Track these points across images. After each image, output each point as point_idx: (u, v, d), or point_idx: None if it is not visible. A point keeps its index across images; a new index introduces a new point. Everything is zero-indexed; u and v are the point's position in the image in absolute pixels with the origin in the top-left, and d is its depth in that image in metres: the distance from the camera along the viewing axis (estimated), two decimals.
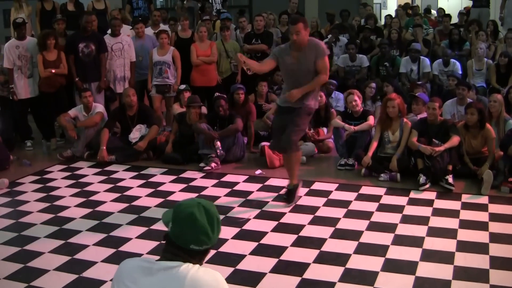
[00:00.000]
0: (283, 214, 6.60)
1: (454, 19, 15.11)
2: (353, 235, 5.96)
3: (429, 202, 6.90)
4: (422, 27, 12.76)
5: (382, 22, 16.26)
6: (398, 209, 6.70)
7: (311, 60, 6.64)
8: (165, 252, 2.55)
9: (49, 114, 9.77)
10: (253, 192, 7.42)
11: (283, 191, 7.18)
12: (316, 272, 5.17)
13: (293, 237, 5.94)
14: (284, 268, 5.27)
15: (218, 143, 8.42)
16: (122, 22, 10.88)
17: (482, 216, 6.44)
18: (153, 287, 2.46)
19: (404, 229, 6.10)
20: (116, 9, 12.20)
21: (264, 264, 5.34)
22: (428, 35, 13.25)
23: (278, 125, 7.01)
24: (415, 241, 5.78)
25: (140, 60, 10.50)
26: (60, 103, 9.70)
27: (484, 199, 6.99)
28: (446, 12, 15.66)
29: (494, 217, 6.40)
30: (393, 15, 15.87)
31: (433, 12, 19.95)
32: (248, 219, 6.46)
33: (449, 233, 5.97)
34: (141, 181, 7.96)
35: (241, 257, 5.50)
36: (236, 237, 5.99)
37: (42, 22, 11.68)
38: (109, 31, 10.47)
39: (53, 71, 9.55)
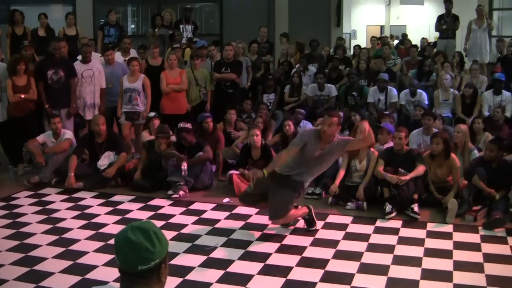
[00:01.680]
0: (250, 242, 6.62)
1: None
2: (319, 263, 6.01)
3: (394, 231, 6.97)
4: (382, 58, 12.96)
5: (351, 52, 16.46)
6: (364, 237, 6.76)
7: (335, 155, 6.85)
8: (123, 283, 2.57)
9: (17, 140, 9.67)
10: (220, 220, 7.43)
11: (303, 225, 7.11)
12: None
13: (260, 265, 5.97)
14: None
15: (185, 164, 8.42)
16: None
17: (447, 245, 6.53)
18: None
19: (370, 257, 6.16)
20: (86, 38, 12.25)
21: None
22: (395, 65, 13.45)
23: (264, 187, 6.78)
24: (381, 269, 5.85)
25: (110, 87, 10.48)
26: (29, 128, 9.62)
27: (449, 228, 7.08)
28: (414, 43, 15.88)
29: (459, 245, 6.50)
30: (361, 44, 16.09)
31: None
32: (215, 247, 6.47)
33: (414, 261, 6.05)
34: (109, 208, 7.93)
35: (207, 285, 5.51)
36: (203, 265, 6.00)
37: (13, 47, 11.66)
38: (79, 57, 10.47)
39: (23, 96, 9.50)
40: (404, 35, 21.50)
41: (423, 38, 17.45)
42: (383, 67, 12.51)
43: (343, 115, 9.95)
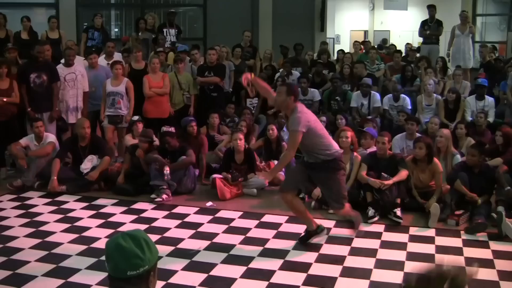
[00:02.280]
0: (233, 246, 6.62)
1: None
2: (302, 267, 6.02)
3: (377, 235, 7.00)
4: (363, 63, 12.99)
5: (335, 57, 16.49)
6: (347, 241, 6.77)
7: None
8: None
9: (0, 143, 9.63)
10: (203, 224, 7.42)
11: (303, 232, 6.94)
12: None
13: (243, 268, 5.97)
14: None
15: (167, 168, 8.41)
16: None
17: (429, 249, 6.58)
18: None
19: (353, 261, 6.19)
20: (72, 41, 12.21)
21: None
22: (379, 71, 13.50)
23: (299, 172, 6.77)
24: (363, 273, 5.87)
25: (93, 90, 10.45)
26: (12, 132, 9.58)
27: (431, 232, 7.12)
28: (398, 48, 15.93)
29: (441, 250, 6.54)
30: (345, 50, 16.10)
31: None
32: (198, 251, 6.47)
33: (397, 265, 6.08)
34: (92, 212, 7.90)
35: None
36: (186, 268, 6.00)
37: None
38: (62, 61, 10.43)
39: (5, 99, 9.46)
40: (385, 40, 21.50)
41: (407, 44, 17.51)
42: (364, 72, 12.54)
43: (325, 120, 10.04)
